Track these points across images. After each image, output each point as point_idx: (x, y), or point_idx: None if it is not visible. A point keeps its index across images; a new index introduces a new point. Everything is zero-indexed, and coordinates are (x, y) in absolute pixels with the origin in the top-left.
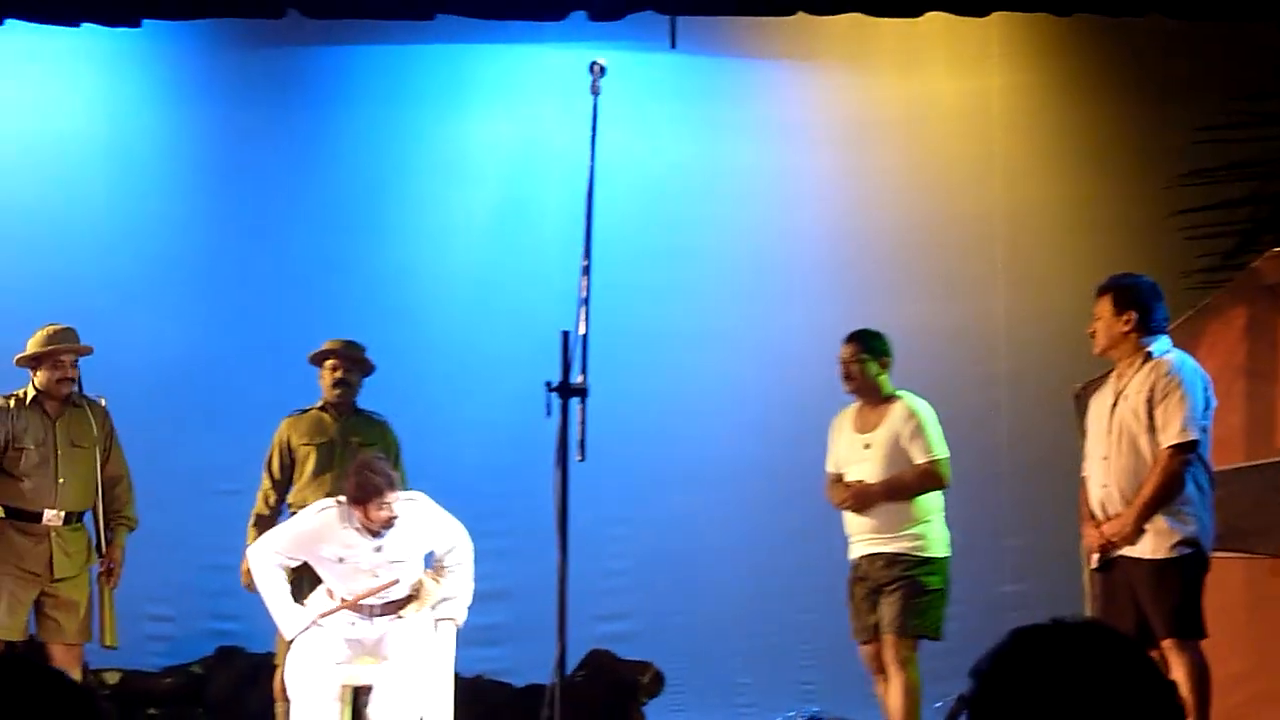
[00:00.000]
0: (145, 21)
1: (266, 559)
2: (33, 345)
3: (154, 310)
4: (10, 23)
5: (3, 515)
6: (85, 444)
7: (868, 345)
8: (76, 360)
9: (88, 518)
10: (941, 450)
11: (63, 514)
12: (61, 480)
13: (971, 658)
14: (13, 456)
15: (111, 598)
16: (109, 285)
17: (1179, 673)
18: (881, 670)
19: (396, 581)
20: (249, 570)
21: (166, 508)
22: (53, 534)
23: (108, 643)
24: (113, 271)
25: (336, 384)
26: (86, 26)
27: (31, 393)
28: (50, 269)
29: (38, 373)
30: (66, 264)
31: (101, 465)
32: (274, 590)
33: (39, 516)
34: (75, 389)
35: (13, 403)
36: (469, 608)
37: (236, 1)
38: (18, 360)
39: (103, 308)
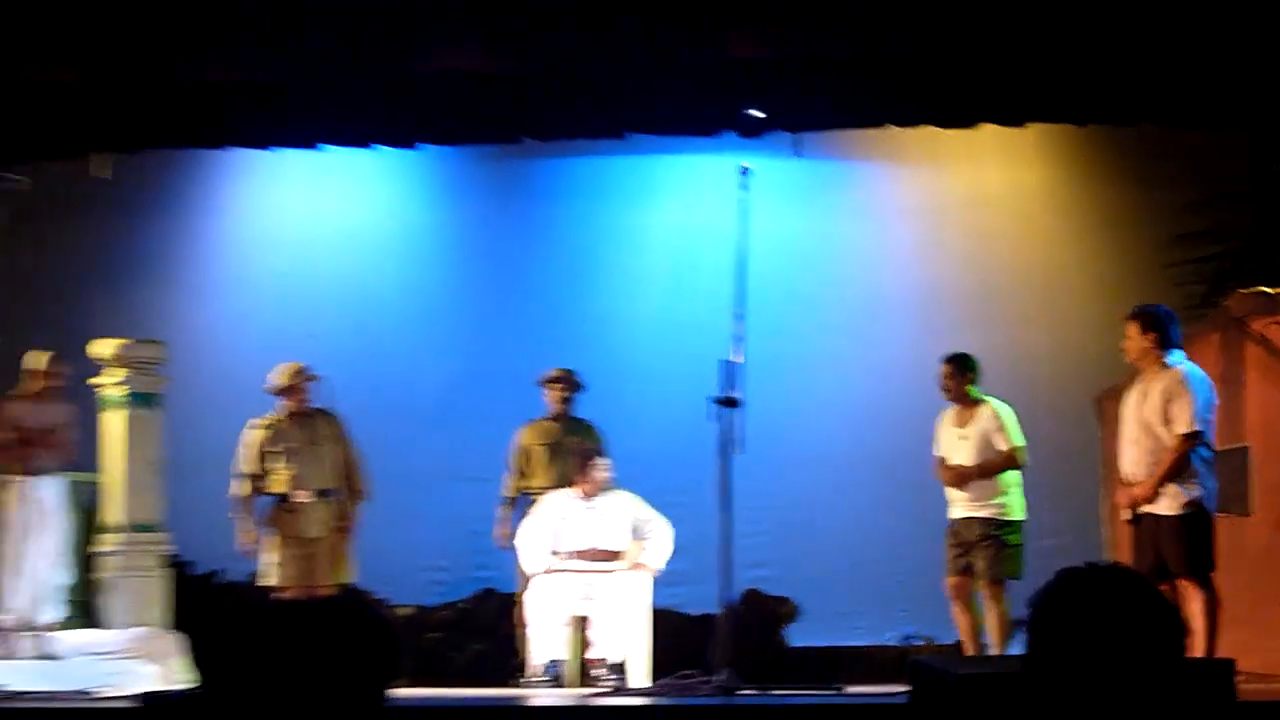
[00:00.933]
0: (419, 144)
1: (527, 533)
2: (283, 378)
3: (426, 349)
4: (321, 146)
5: (274, 499)
6: (322, 442)
7: (960, 364)
8: (303, 385)
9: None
10: (1019, 440)
11: (310, 493)
12: (306, 469)
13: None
14: (272, 458)
15: (347, 550)
16: (394, 331)
17: (1195, 605)
18: (960, 600)
19: (608, 544)
20: (502, 535)
21: (437, 490)
22: (305, 509)
23: (344, 580)
24: (398, 321)
25: (560, 401)
26: (378, 149)
27: (284, 412)
28: (353, 320)
29: (287, 398)
30: (365, 316)
31: (339, 456)
32: (528, 549)
33: (293, 497)
34: (309, 404)
35: (271, 420)
36: (660, 566)
37: (484, 132)
38: (271, 390)
39: (390, 348)
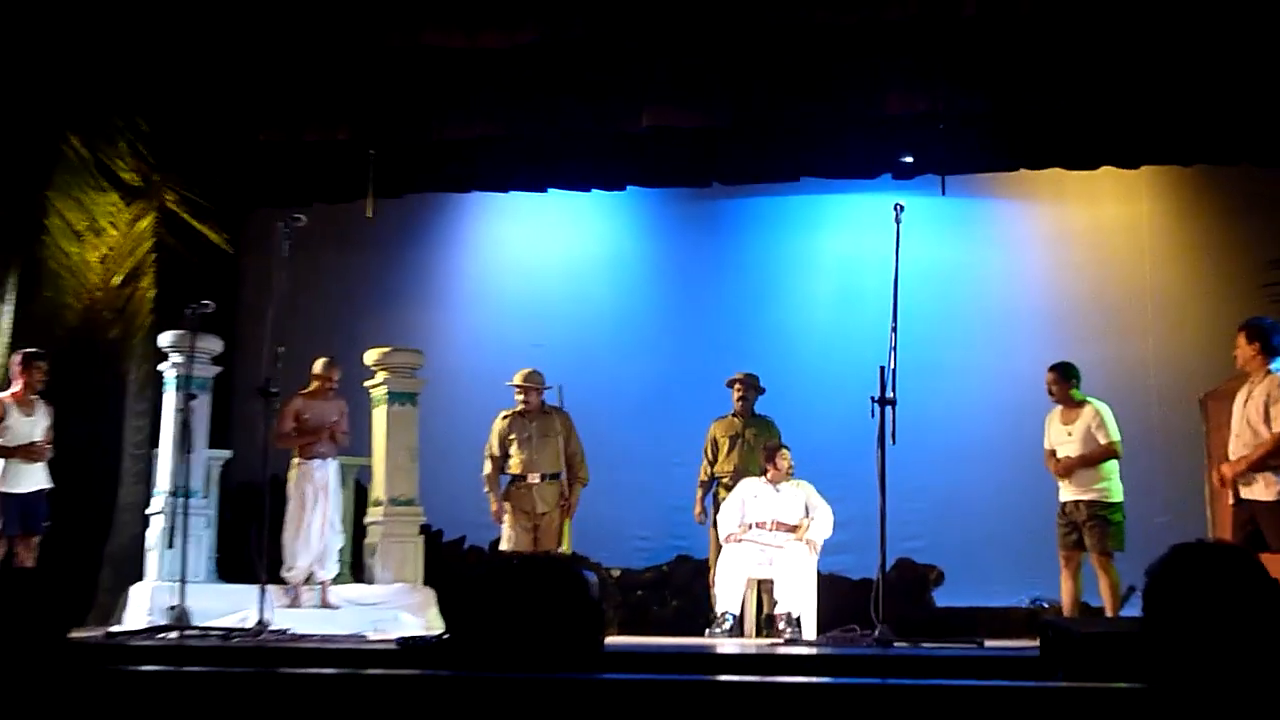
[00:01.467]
0: (628, 187)
1: (725, 508)
2: (519, 380)
3: (633, 357)
4: (548, 189)
5: (511, 479)
6: (551, 434)
7: (1063, 372)
8: (538, 388)
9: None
10: (1116, 434)
11: (539, 475)
12: (537, 456)
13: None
14: (511, 444)
15: (568, 524)
16: (607, 342)
17: None
18: (1069, 569)
19: (786, 519)
20: (698, 512)
21: (643, 473)
22: (534, 488)
23: (564, 549)
24: (610, 334)
25: (741, 399)
26: (595, 192)
27: (518, 408)
28: (573, 332)
29: (524, 396)
30: (582, 329)
31: (564, 446)
32: (724, 520)
33: (525, 478)
34: (541, 402)
35: (511, 413)
36: (826, 539)
37: (682, 177)
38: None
39: (604, 356)
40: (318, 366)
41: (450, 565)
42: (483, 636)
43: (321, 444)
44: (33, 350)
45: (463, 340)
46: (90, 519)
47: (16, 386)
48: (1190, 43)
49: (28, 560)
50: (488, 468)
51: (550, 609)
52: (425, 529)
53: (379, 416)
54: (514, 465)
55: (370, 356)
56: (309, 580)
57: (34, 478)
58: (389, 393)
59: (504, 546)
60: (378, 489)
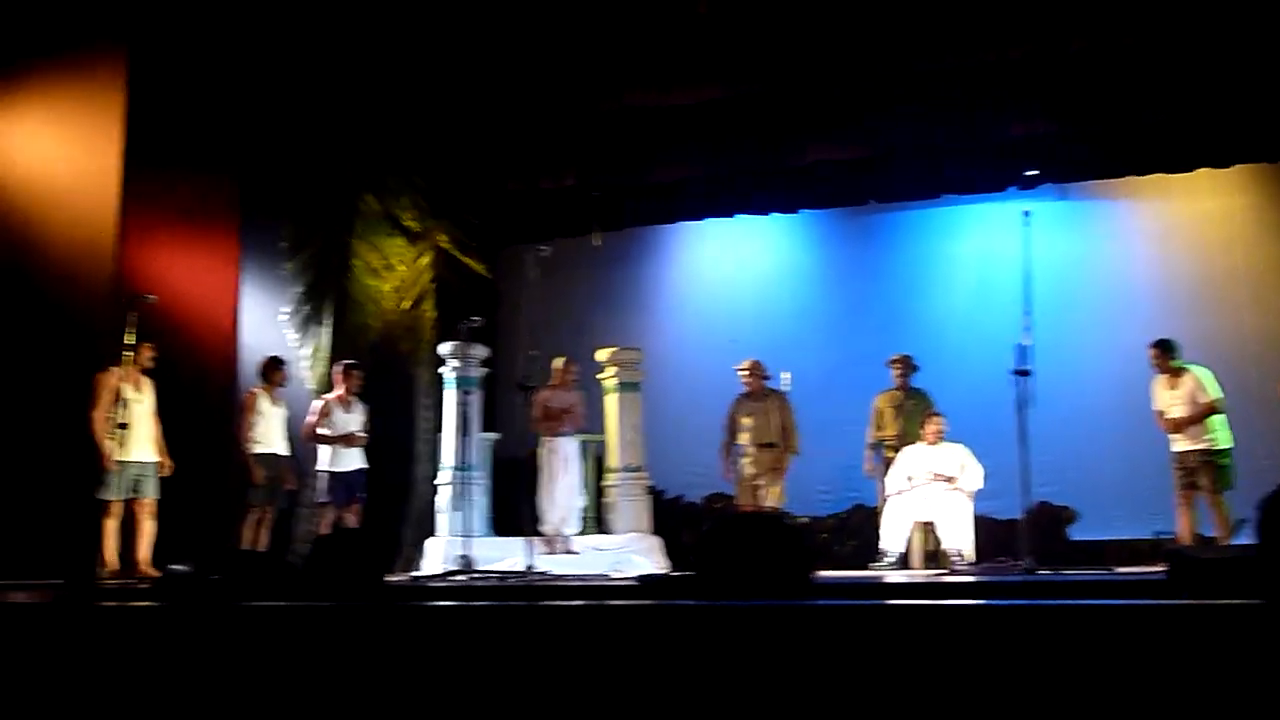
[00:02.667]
0: (799, 210)
1: (894, 466)
2: (743, 366)
3: (811, 345)
4: (735, 215)
5: (738, 448)
6: (770, 411)
7: (1162, 347)
8: (759, 374)
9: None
10: (1216, 393)
11: (758, 444)
12: (758, 429)
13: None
14: (736, 420)
15: (782, 484)
16: (787, 333)
17: None
18: (1184, 506)
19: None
20: (867, 469)
21: (824, 437)
22: (755, 454)
23: (778, 504)
24: (790, 327)
25: (900, 375)
26: (772, 215)
27: (746, 389)
28: (761, 329)
29: (746, 380)
30: (768, 325)
31: (780, 421)
32: (893, 476)
33: (748, 446)
34: (762, 385)
35: (740, 395)
36: (977, 490)
37: (842, 198)
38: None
39: (786, 345)
40: (558, 364)
41: (671, 517)
42: (715, 573)
43: (564, 425)
44: (350, 361)
45: (673, 339)
46: (394, 490)
47: (339, 390)
48: (1273, 57)
49: (352, 523)
50: (725, 438)
51: (771, 551)
52: (651, 489)
53: (610, 402)
54: (741, 436)
55: (601, 355)
56: (559, 533)
57: (354, 460)
58: (618, 383)
59: (739, 502)
60: (611, 459)
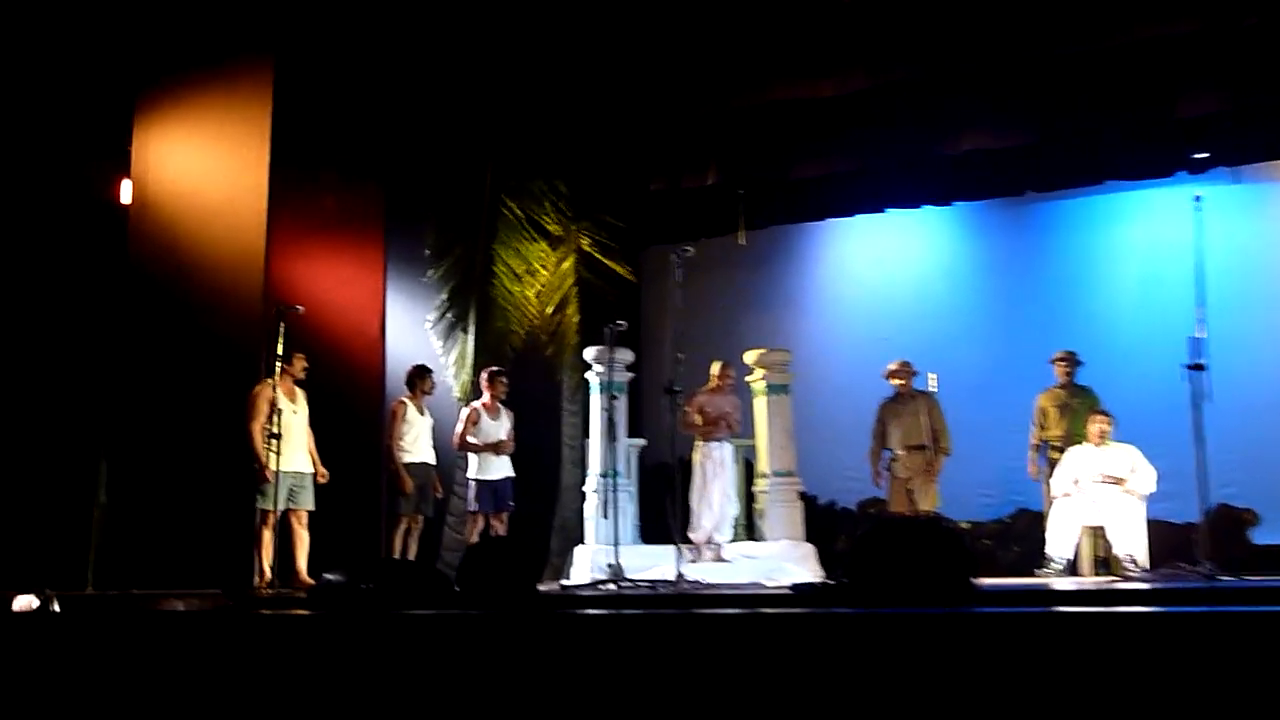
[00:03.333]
0: (953, 202)
1: (1059, 468)
2: (890, 368)
3: (969, 341)
4: (885, 210)
5: (888, 452)
6: (919, 413)
7: None
8: (909, 373)
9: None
10: None
11: (908, 446)
12: (908, 430)
13: None
14: (886, 423)
15: (934, 486)
16: (945, 330)
17: None
18: None
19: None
20: (1032, 471)
21: (985, 439)
22: (905, 457)
23: (932, 508)
24: (947, 323)
25: (1065, 373)
26: (924, 208)
27: (895, 390)
28: (914, 324)
29: (895, 381)
30: (922, 321)
31: (929, 422)
32: (1058, 479)
33: (899, 449)
34: (912, 387)
35: (888, 398)
36: (1149, 493)
37: (998, 189)
38: (885, 375)
39: (942, 342)
40: (715, 368)
41: (824, 523)
42: (872, 580)
43: (721, 430)
44: (496, 368)
45: (822, 339)
46: (541, 497)
47: (485, 397)
48: None
49: (501, 531)
50: (873, 443)
51: (929, 557)
52: (803, 495)
53: (759, 405)
54: (891, 440)
55: (750, 357)
56: (710, 540)
57: (501, 468)
58: (767, 385)
59: (891, 507)
60: (762, 464)
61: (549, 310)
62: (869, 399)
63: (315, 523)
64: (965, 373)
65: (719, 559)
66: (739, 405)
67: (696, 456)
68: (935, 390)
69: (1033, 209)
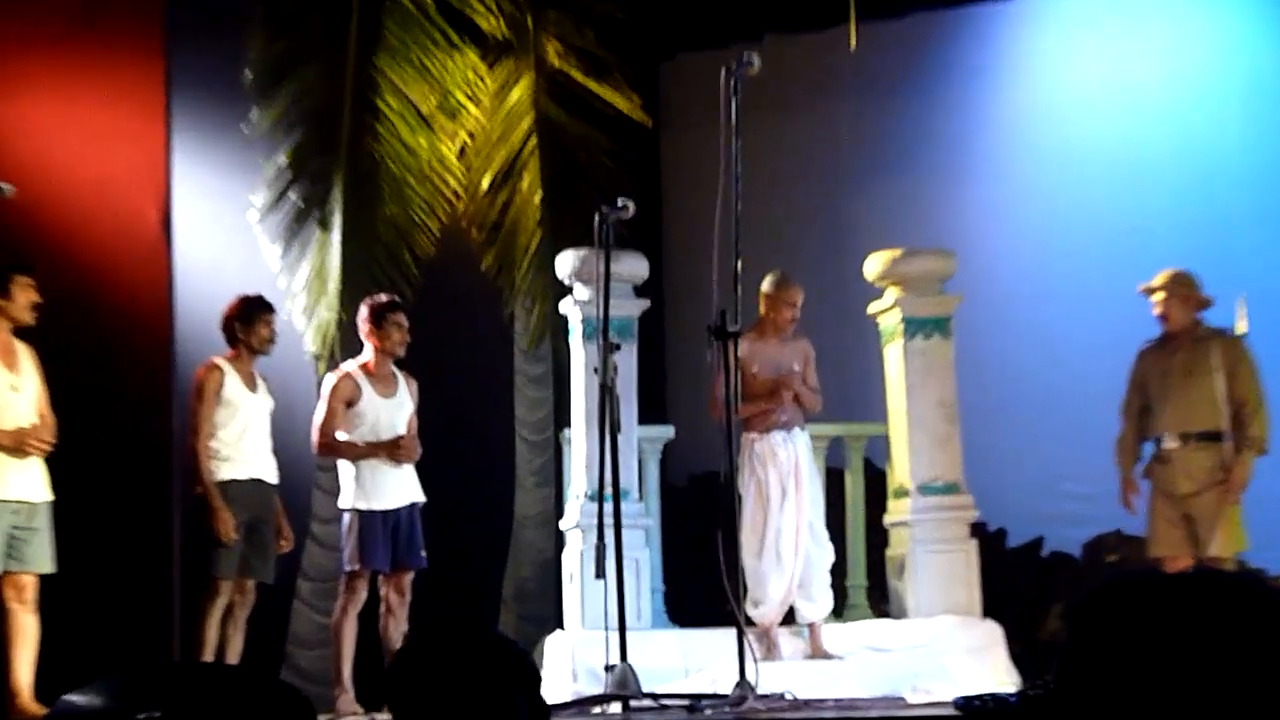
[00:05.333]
0: None
1: None
2: (1158, 281)
3: None
4: None
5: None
6: (1202, 372)
7: None
8: (1185, 299)
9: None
10: None
11: (1183, 436)
12: (1181, 406)
13: None
14: (1145, 389)
15: (1237, 511)
16: (1246, 214)
17: None
18: None
19: None
20: None
21: None
22: (1176, 455)
23: (1231, 553)
24: (1251, 200)
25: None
26: None
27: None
28: (1186, 196)
29: (1166, 319)
30: (1204, 191)
31: (1228, 390)
32: None
33: (1164, 440)
34: (1195, 322)
35: (1146, 345)
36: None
37: None
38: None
39: (1245, 240)
40: (767, 286)
41: (1021, 583)
42: (1098, 690)
43: (783, 409)
44: (386, 298)
45: (1005, 226)
46: (481, 543)
47: (367, 354)
48: None
49: (397, 609)
50: (1123, 427)
51: (1220, 654)
52: (978, 528)
53: (893, 358)
54: (1159, 422)
55: (873, 265)
56: (791, 619)
57: (401, 487)
58: (905, 320)
59: (1152, 551)
60: (899, 471)
61: (485, 182)
62: (1108, 348)
63: (59, 594)
64: None
65: (814, 653)
66: (812, 358)
67: (743, 460)
68: (1245, 330)
69: None
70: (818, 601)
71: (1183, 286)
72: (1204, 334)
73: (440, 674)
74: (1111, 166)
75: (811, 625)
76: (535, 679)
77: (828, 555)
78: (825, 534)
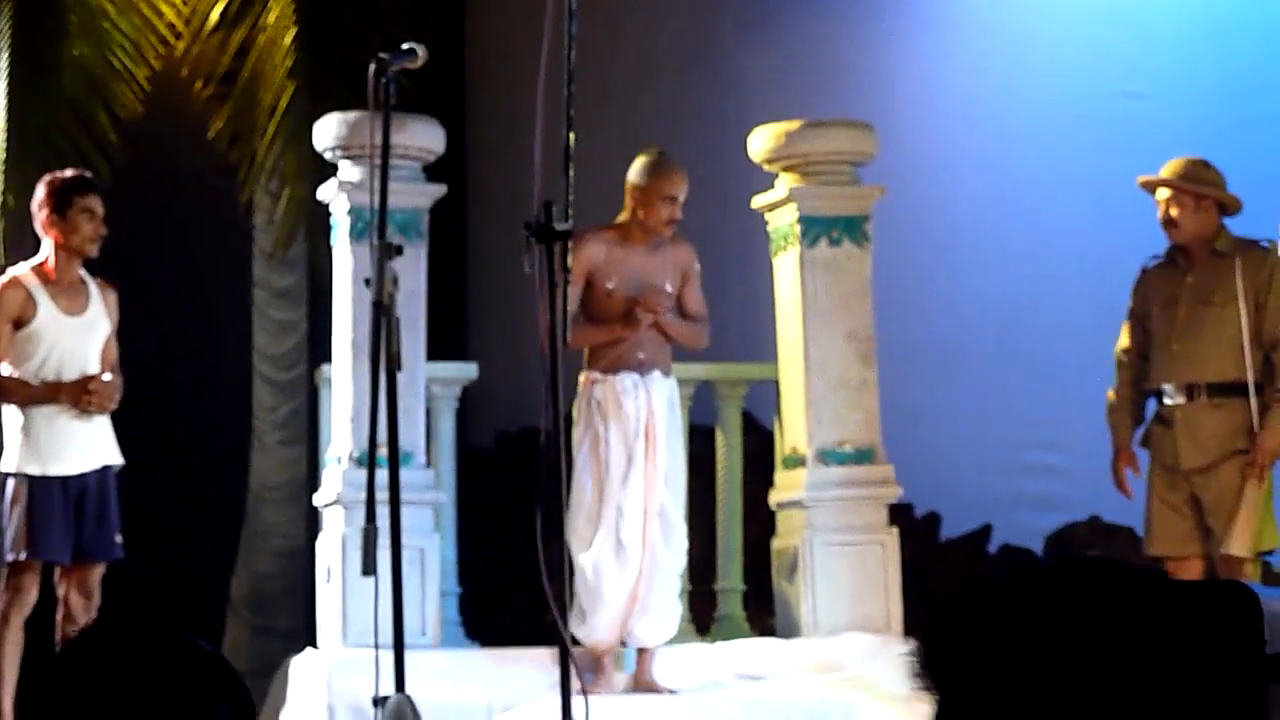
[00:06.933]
0: None
1: None
2: (1165, 172)
3: None
4: None
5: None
6: (1221, 300)
7: None
8: (1196, 194)
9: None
10: None
11: (1190, 386)
12: (1188, 341)
13: None
14: (1144, 321)
15: (1265, 491)
16: (1253, 85)
17: None
18: None
19: None
20: None
21: None
22: (1180, 413)
23: (1251, 550)
24: (1260, 70)
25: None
26: None
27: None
28: (1186, 78)
29: (1176, 236)
30: (1212, 70)
31: (1248, 320)
32: None
33: (1164, 392)
34: (1217, 230)
35: (1150, 264)
36: None
37: None
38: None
39: (1254, 119)
40: (636, 173)
41: (961, 591)
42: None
43: (640, 343)
44: (72, 176)
45: (947, 91)
46: (208, 524)
47: (46, 254)
48: None
49: (80, 614)
50: (1119, 376)
51: (1216, 671)
52: (901, 512)
53: (785, 272)
54: (1158, 369)
55: (760, 141)
56: (625, 641)
57: (90, 444)
58: (804, 219)
59: (1149, 547)
60: (792, 432)
61: (213, 19)
62: (1094, 266)
63: None
64: None
65: (646, 686)
66: (697, 273)
67: (579, 407)
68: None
69: None
70: (656, 617)
71: (1196, 181)
72: (1225, 247)
73: (96, 691)
74: (1098, 13)
75: (642, 650)
76: (238, 687)
77: (678, 557)
78: (682, 525)
